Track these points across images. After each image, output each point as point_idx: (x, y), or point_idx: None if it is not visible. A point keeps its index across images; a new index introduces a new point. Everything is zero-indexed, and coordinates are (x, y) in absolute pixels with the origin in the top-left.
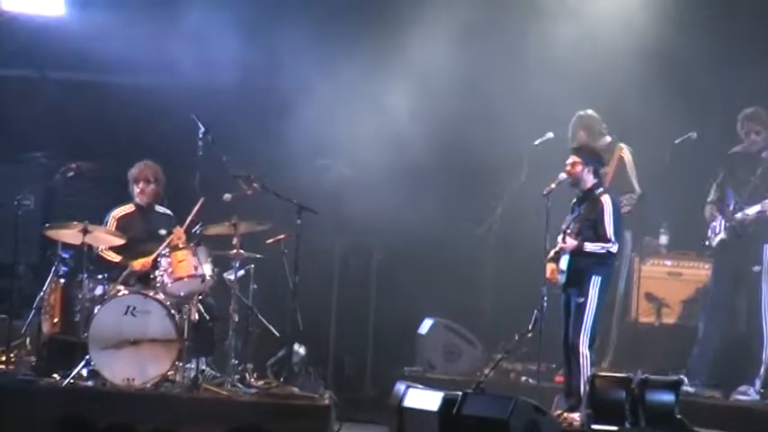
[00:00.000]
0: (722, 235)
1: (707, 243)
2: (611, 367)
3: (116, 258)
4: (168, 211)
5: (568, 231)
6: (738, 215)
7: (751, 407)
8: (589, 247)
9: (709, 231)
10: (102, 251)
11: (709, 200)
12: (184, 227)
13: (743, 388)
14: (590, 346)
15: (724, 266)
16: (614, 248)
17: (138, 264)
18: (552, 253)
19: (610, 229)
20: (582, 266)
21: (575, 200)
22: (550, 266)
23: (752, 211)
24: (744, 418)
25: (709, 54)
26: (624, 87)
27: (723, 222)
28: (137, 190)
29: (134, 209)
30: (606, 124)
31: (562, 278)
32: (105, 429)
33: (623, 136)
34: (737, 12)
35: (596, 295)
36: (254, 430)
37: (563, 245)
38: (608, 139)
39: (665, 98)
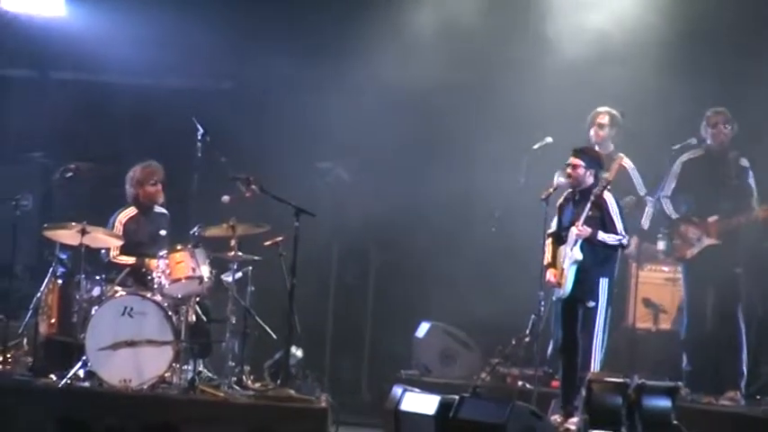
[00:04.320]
0: (706, 242)
1: (687, 256)
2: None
3: (130, 260)
4: (165, 211)
5: (578, 224)
6: (733, 220)
7: (744, 412)
8: (602, 236)
9: (689, 241)
10: (114, 258)
11: (674, 216)
12: None
13: (730, 394)
14: (601, 349)
15: (703, 272)
16: (626, 241)
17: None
18: (549, 258)
19: (619, 224)
20: (588, 268)
21: (562, 200)
22: (551, 271)
23: (744, 217)
24: (738, 424)
25: (711, 58)
26: (623, 93)
27: (702, 232)
28: (150, 190)
29: (136, 211)
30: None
31: (567, 289)
32: (102, 430)
33: (622, 142)
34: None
35: (606, 297)
36: None
37: (579, 231)
38: (611, 148)
39: (664, 104)
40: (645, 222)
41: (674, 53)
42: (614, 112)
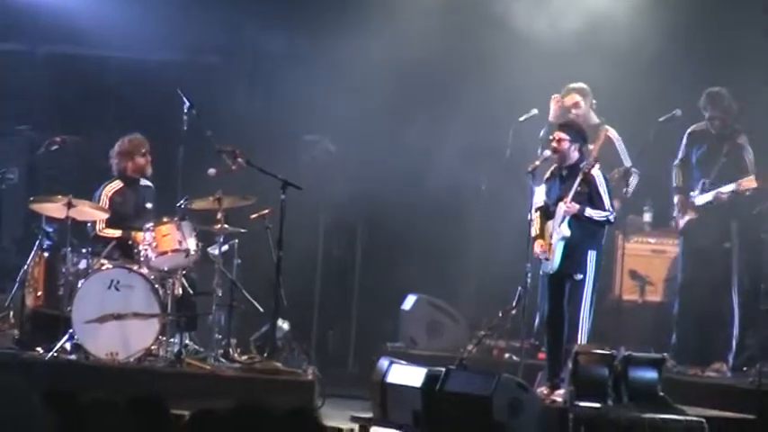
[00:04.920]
0: (690, 215)
1: (673, 225)
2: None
3: (117, 233)
4: (151, 184)
5: (566, 201)
6: (711, 194)
7: (732, 384)
8: (589, 212)
9: (675, 212)
10: (100, 231)
11: (674, 185)
12: None
13: (716, 365)
14: (588, 321)
15: (692, 245)
16: (613, 217)
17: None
18: (537, 230)
19: (607, 200)
20: (576, 242)
21: (549, 175)
22: (539, 242)
23: (726, 189)
24: (724, 395)
25: (695, 33)
26: (608, 65)
27: (689, 202)
28: (140, 161)
29: (122, 184)
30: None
31: (555, 264)
32: (88, 403)
33: (607, 113)
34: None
35: (593, 270)
36: (258, 406)
37: (567, 207)
38: (596, 120)
39: (649, 75)
40: (628, 191)
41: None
42: (577, 85)
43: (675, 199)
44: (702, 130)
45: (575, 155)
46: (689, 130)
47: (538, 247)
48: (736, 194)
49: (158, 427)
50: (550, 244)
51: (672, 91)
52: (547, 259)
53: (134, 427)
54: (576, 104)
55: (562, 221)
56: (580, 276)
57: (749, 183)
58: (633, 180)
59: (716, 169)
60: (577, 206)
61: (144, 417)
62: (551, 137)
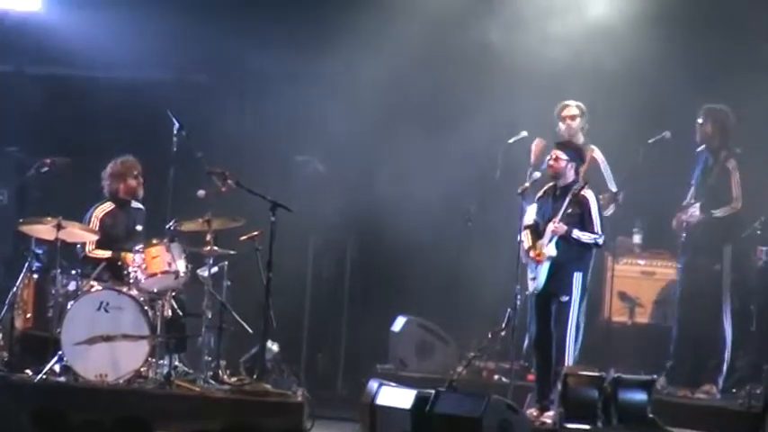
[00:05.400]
0: (686, 234)
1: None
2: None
3: (106, 254)
4: (141, 206)
5: (555, 221)
6: (684, 215)
7: (722, 406)
8: (577, 233)
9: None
10: (89, 252)
11: (684, 203)
12: None
13: (706, 387)
14: (575, 342)
15: (688, 266)
16: (601, 240)
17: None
18: (529, 243)
19: (597, 223)
20: (563, 263)
21: (542, 194)
22: (533, 252)
23: (692, 213)
24: (714, 417)
25: (685, 53)
26: (596, 86)
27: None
28: (132, 184)
29: (113, 206)
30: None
31: (540, 284)
32: (78, 424)
33: (596, 134)
34: (712, 14)
35: (579, 291)
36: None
37: (555, 228)
38: (582, 140)
39: (638, 97)
40: (607, 213)
41: (648, 40)
42: (578, 102)
43: (675, 217)
44: (700, 151)
45: (570, 174)
46: (697, 150)
47: (533, 253)
48: (699, 219)
49: None
50: (543, 253)
51: (662, 113)
52: (534, 279)
53: None
54: (572, 117)
55: (549, 241)
56: (566, 298)
57: (695, 211)
58: (613, 206)
59: (705, 192)
60: (565, 227)
61: None
62: (548, 157)
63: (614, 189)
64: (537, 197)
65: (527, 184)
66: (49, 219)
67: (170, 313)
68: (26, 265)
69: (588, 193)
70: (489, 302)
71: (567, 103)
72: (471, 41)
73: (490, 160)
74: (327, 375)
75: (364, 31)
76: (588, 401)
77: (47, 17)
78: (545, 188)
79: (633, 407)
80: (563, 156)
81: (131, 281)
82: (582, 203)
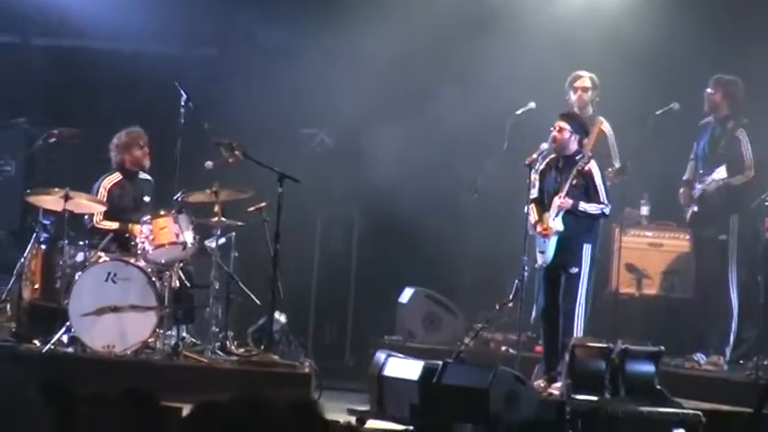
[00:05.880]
0: (693, 207)
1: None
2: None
3: (114, 225)
4: (149, 177)
5: (561, 195)
6: (698, 187)
7: (729, 377)
8: (583, 206)
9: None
10: (97, 223)
11: (684, 178)
12: None
13: (713, 358)
14: (584, 314)
15: (696, 238)
16: (608, 210)
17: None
18: (536, 217)
19: (602, 192)
20: (571, 235)
21: (544, 166)
22: (540, 225)
23: (709, 180)
24: (722, 388)
25: (694, 25)
26: (606, 57)
27: (692, 195)
28: (138, 154)
29: (121, 177)
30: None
31: (549, 257)
32: (85, 395)
33: (604, 106)
34: None
35: (588, 263)
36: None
37: (561, 202)
38: (590, 111)
39: (647, 68)
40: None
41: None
42: (592, 74)
43: (681, 191)
44: (705, 123)
45: (573, 146)
46: (699, 124)
47: (539, 227)
48: (719, 185)
49: (150, 419)
50: (550, 227)
51: (672, 84)
52: (543, 253)
53: (127, 419)
54: (584, 89)
55: (556, 216)
56: (575, 270)
57: (719, 174)
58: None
59: (714, 162)
60: (571, 201)
61: (137, 409)
62: (552, 127)
63: (617, 165)
64: (539, 169)
65: (534, 156)
66: (57, 190)
67: (177, 284)
68: (34, 235)
69: (592, 164)
70: (496, 274)
71: (580, 73)
72: (481, 11)
73: (498, 131)
74: (335, 346)
75: (371, 3)
76: (596, 373)
77: None
78: (547, 160)
79: (641, 378)
80: (567, 126)
81: (139, 252)
82: (586, 174)
